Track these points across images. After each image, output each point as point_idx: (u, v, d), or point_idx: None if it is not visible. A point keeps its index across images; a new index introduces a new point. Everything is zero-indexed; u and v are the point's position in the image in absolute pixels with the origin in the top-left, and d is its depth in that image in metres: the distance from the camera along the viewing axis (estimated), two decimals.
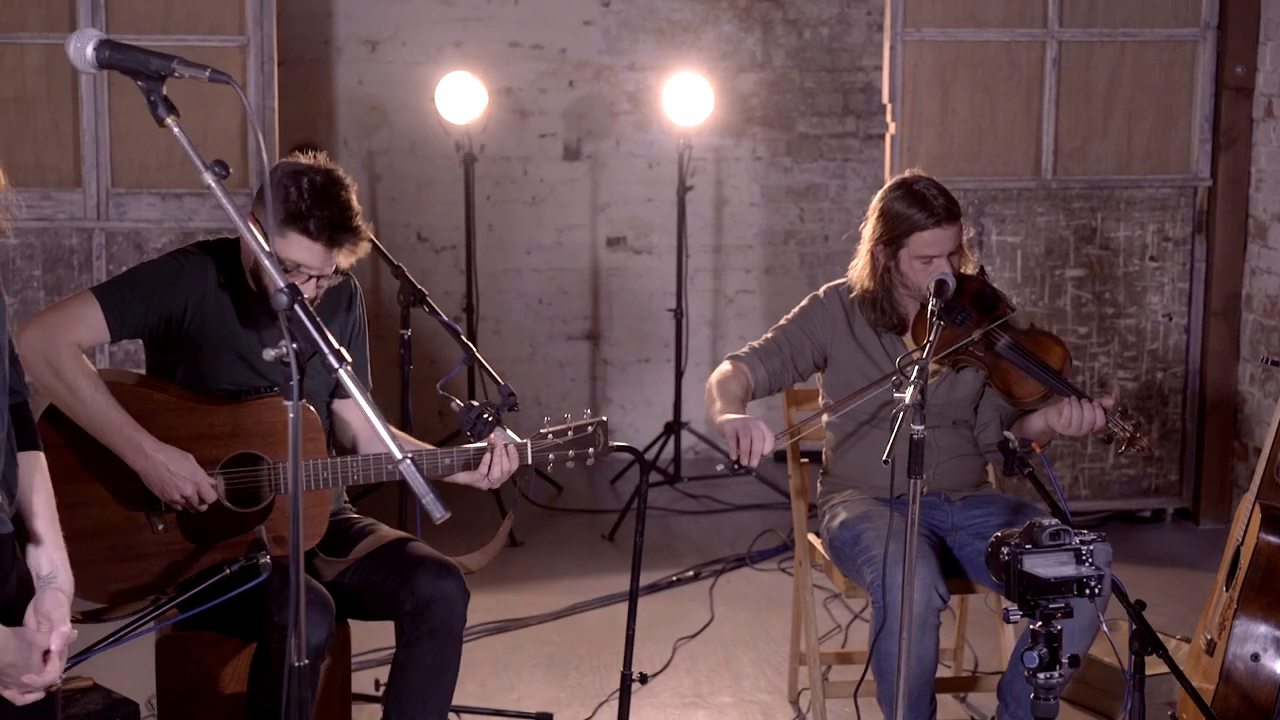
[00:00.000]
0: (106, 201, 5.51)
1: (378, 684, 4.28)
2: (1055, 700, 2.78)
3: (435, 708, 3.47)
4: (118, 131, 5.49)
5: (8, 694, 2.46)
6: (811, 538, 4.17)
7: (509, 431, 3.47)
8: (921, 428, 3.26)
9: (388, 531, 3.60)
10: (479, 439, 3.42)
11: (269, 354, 2.34)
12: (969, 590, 3.91)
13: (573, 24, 7.10)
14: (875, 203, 3.95)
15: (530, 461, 3.48)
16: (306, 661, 2.47)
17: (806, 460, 4.21)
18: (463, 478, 3.45)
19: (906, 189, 3.88)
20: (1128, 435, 3.67)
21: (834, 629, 4.97)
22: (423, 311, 4.03)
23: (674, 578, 5.51)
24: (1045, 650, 2.75)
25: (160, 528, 3.34)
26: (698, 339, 7.21)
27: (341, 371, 2.32)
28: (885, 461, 3.30)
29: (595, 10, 7.10)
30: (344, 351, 2.34)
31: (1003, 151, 5.92)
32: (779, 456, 4.00)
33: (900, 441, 3.28)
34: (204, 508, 3.31)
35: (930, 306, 3.63)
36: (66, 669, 2.54)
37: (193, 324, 3.42)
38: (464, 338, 3.82)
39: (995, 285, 3.92)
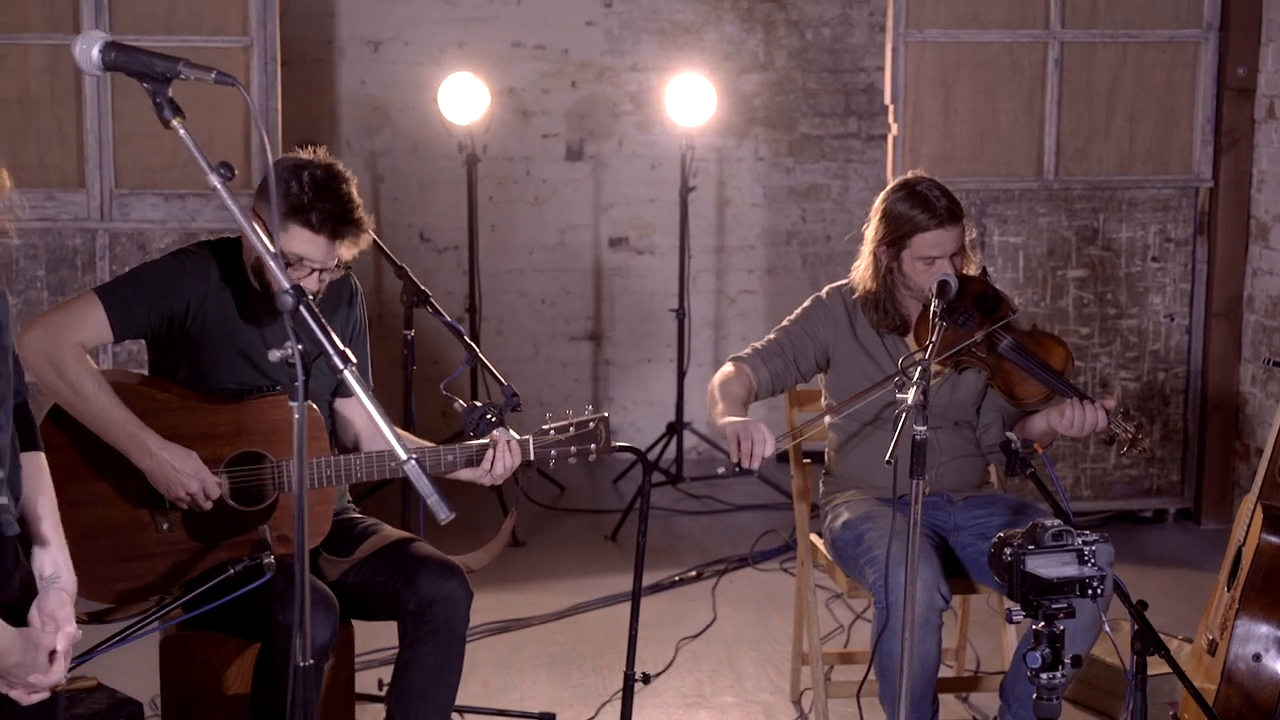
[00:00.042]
0: (110, 202, 5.52)
1: (381, 684, 4.28)
2: (1058, 700, 2.79)
3: (438, 708, 3.48)
4: (121, 132, 5.49)
5: (13, 694, 2.47)
6: (814, 538, 4.18)
7: (511, 431, 3.48)
8: (924, 428, 3.26)
9: (391, 531, 3.61)
10: (481, 439, 3.43)
11: (274, 355, 2.35)
12: (971, 590, 3.92)
13: (575, 24, 7.10)
14: (878, 204, 3.96)
15: (532, 458, 3.48)
16: (311, 661, 2.48)
17: (809, 461, 4.21)
18: (465, 474, 3.46)
19: (909, 190, 3.88)
20: (1130, 436, 3.68)
21: (836, 629, 4.97)
22: (426, 312, 4.03)
23: (676, 578, 5.52)
24: (1048, 650, 2.75)
25: (165, 527, 3.35)
26: (700, 339, 7.21)
27: (347, 373, 2.33)
28: (888, 462, 3.30)
29: (598, 11, 7.11)
30: (349, 353, 2.35)
31: (1005, 152, 5.93)
32: (781, 457, 4.00)
33: (903, 442, 3.29)
34: (209, 506, 3.32)
35: (932, 307, 3.64)
36: (71, 669, 2.55)
37: (195, 323, 3.43)
38: (467, 338, 3.83)
39: (997, 286, 3.93)
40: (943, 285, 3.69)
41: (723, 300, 7.33)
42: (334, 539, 3.53)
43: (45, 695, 2.50)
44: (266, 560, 3.13)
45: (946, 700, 4.32)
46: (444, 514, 2.33)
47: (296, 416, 2.34)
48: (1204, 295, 6.06)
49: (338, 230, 3.36)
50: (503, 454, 3.43)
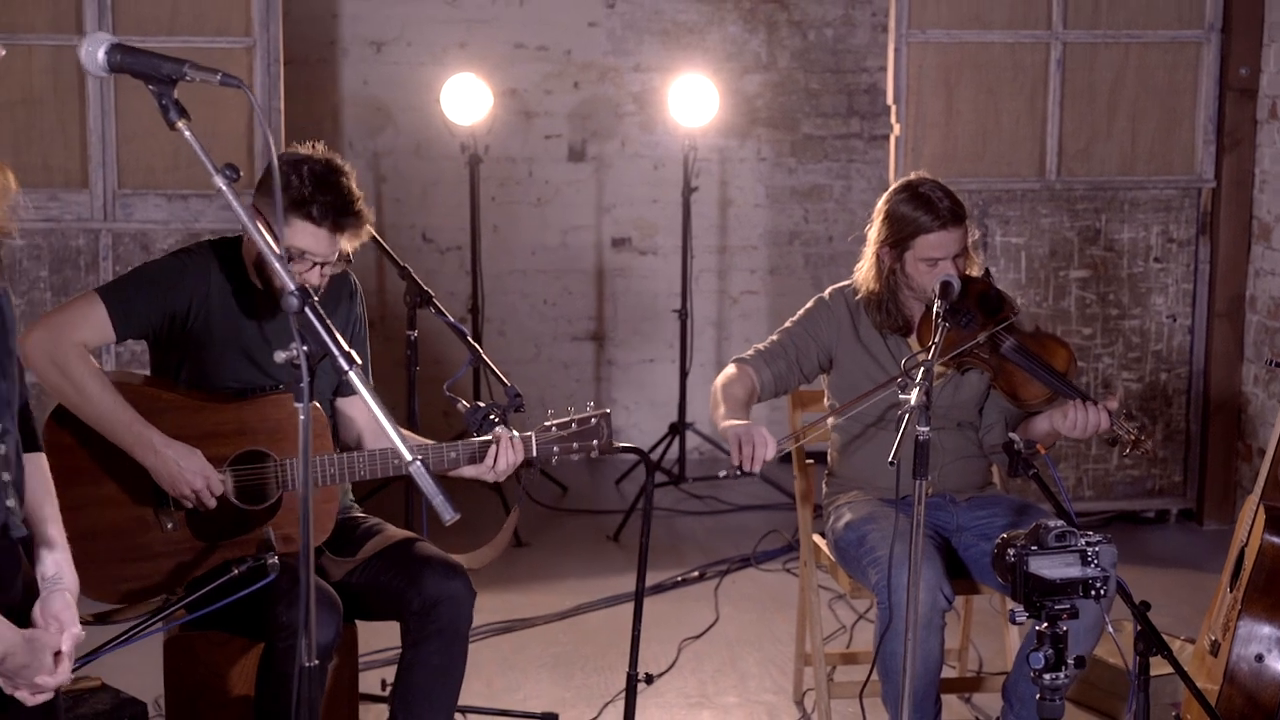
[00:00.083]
0: (113, 202, 5.52)
1: (384, 684, 4.28)
2: (1061, 701, 2.79)
3: (442, 707, 3.48)
4: (124, 132, 5.50)
5: (19, 695, 2.47)
6: (816, 538, 4.18)
7: (513, 430, 3.49)
8: (927, 429, 3.27)
9: (394, 531, 3.62)
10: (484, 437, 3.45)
11: (279, 356, 2.35)
12: (973, 591, 3.92)
13: (577, 25, 7.11)
14: (880, 205, 3.96)
15: (535, 454, 3.49)
16: (316, 662, 2.48)
17: (812, 462, 4.22)
18: (468, 471, 3.47)
19: (912, 191, 3.89)
20: (1132, 438, 3.68)
21: (839, 629, 4.98)
22: (429, 312, 4.04)
23: (679, 578, 5.52)
24: (1051, 651, 2.75)
25: (169, 526, 3.36)
26: (702, 339, 7.22)
27: (352, 373, 2.34)
28: (891, 463, 3.31)
29: (600, 12, 7.11)
30: (354, 354, 2.35)
31: (1007, 153, 5.93)
32: (784, 458, 4.00)
33: (906, 443, 3.29)
34: (213, 503, 3.33)
35: (935, 308, 3.64)
36: (75, 669, 2.56)
37: (197, 322, 3.43)
38: (470, 339, 3.83)
39: (1000, 287, 3.93)
40: (945, 286, 3.69)
41: (725, 300, 7.33)
42: (337, 539, 3.54)
43: (50, 696, 2.51)
44: (271, 560, 3.14)
45: (949, 701, 4.33)
46: (449, 515, 2.34)
47: (302, 418, 2.34)
48: (1206, 296, 6.06)
49: (339, 223, 3.37)
50: (505, 450, 3.43)
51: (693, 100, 6.56)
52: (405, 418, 4.30)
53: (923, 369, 3.32)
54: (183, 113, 2.37)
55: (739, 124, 7.20)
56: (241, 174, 2.40)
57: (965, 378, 3.95)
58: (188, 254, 3.52)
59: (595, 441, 3.53)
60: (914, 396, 3.26)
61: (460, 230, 6.89)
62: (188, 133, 2.36)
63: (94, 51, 2.38)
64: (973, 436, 4.02)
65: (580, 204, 7.20)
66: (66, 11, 5.42)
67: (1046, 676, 2.76)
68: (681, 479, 6.75)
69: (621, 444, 3.82)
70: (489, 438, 3.44)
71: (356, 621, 3.60)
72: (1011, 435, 3.50)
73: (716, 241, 7.28)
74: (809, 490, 4.20)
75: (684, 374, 6.79)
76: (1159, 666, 3.41)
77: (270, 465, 3.39)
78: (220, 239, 3.59)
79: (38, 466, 2.62)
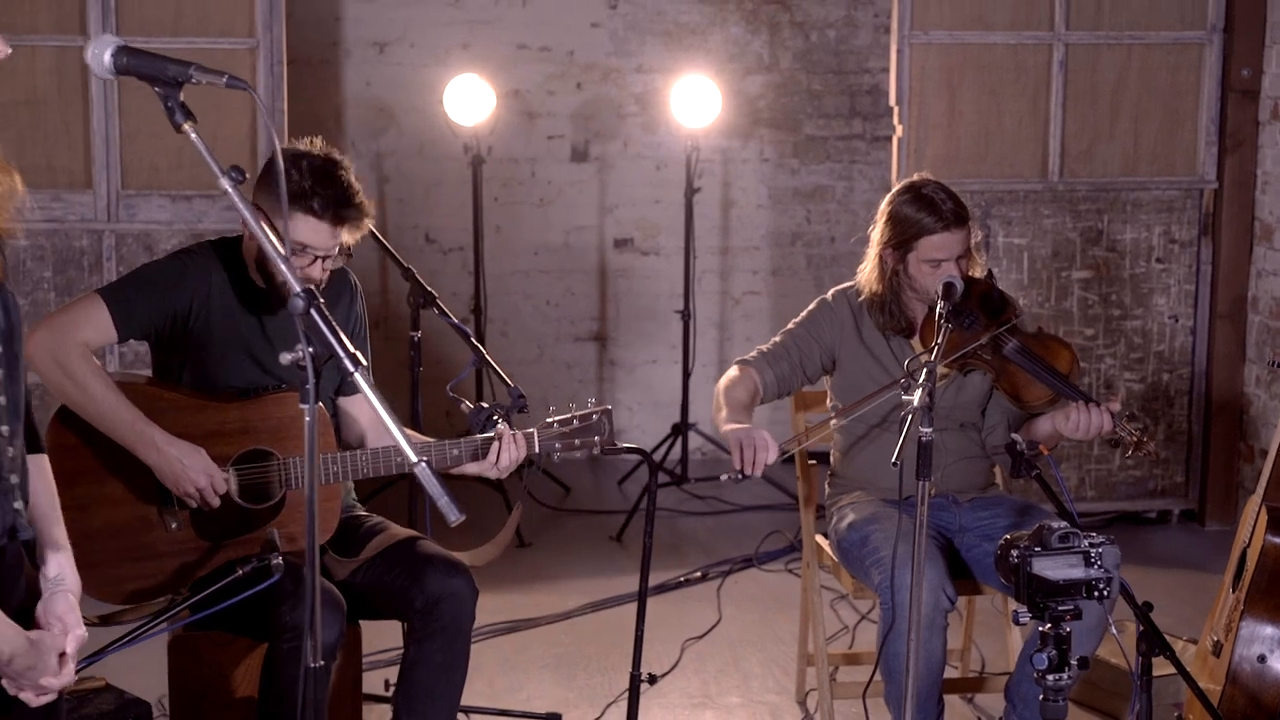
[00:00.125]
0: (117, 203, 5.53)
1: (387, 684, 4.28)
2: (1064, 702, 2.80)
3: (445, 705, 3.49)
4: (128, 133, 5.51)
5: (23, 696, 2.48)
6: (819, 539, 4.19)
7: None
8: (929, 430, 3.28)
9: (397, 530, 3.62)
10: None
11: (285, 358, 2.36)
12: (976, 591, 3.92)
13: (580, 26, 7.11)
14: (883, 206, 3.96)
15: (537, 449, 3.50)
16: (322, 663, 2.49)
17: (814, 462, 4.22)
18: (471, 468, 3.48)
19: (915, 193, 3.89)
20: (1135, 440, 3.68)
21: (841, 630, 4.98)
22: (432, 313, 4.05)
23: (681, 578, 5.52)
24: (1055, 652, 2.76)
25: (173, 525, 3.36)
26: (705, 340, 7.22)
27: (357, 375, 2.34)
28: (894, 464, 3.31)
29: (603, 12, 7.12)
30: (359, 355, 2.36)
31: (1009, 154, 5.93)
32: (787, 458, 4.01)
33: (909, 444, 3.30)
34: (217, 502, 3.33)
35: (938, 309, 3.65)
36: (79, 669, 2.57)
37: (198, 322, 3.44)
38: (473, 340, 3.84)
39: (1002, 288, 3.93)
40: (948, 287, 3.70)
41: (727, 301, 7.34)
42: (341, 538, 3.55)
43: (53, 697, 2.52)
44: (275, 561, 3.14)
45: (951, 701, 4.33)
46: (454, 516, 2.34)
47: (308, 419, 2.34)
48: (1208, 297, 6.07)
49: (340, 215, 3.38)
50: (508, 446, 3.44)
51: (695, 101, 6.56)
52: (408, 418, 4.30)
53: (925, 370, 3.32)
54: (189, 115, 2.37)
55: (741, 125, 7.20)
56: (247, 176, 2.41)
57: (968, 379, 3.95)
58: (188, 254, 3.53)
59: (597, 437, 3.53)
60: (917, 397, 3.27)
61: (463, 231, 6.90)
62: (194, 135, 2.37)
63: (100, 54, 2.38)
64: (975, 437, 4.02)
65: (583, 205, 7.21)
66: (70, 12, 5.43)
67: (1050, 677, 2.77)
68: (684, 479, 6.76)
69: (624, 445, 3.82)
70: (491, 434, 3.45)
71: (360, 622, 3.61)
72: (1014, 436, 3.50)
73: (719, 242, 7.29)
74: (812, 491, 4.21)
75: (686, 374, 6.80)
76: (1161, 667, 3.41)
77: (273, 464, 3.39)
78: (221, 239, 3.59)
79: (40, 468, 2.62)
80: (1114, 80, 5.92)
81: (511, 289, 7.18)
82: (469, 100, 6.45)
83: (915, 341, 3.96)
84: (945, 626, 3.63)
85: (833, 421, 4.00)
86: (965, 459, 3.99)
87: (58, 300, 5.47)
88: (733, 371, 3.99)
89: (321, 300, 2.36)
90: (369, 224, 3.48)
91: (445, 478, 2.40)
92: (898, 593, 3.55)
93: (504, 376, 3.80)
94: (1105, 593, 2.80)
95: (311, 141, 3.47)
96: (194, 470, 3.29)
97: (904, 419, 3.30)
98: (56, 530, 2.61)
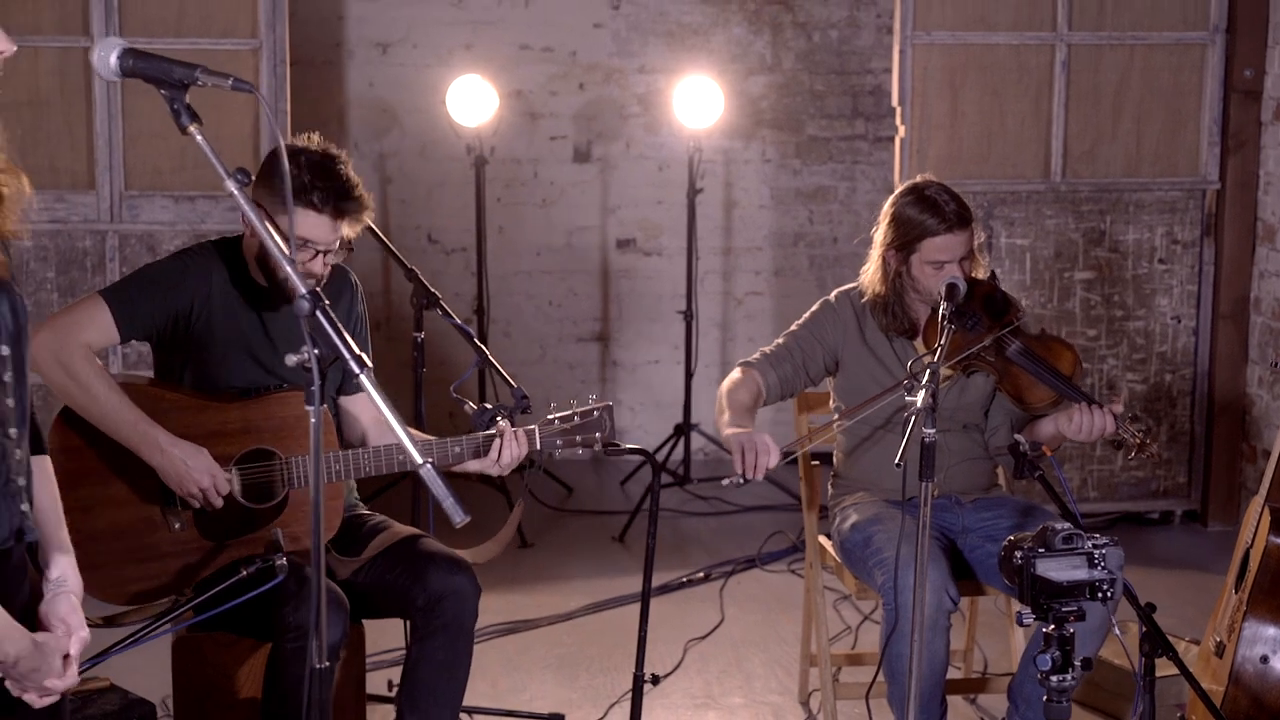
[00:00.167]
0: (120, 204, 5.54)
1: (391, 684, 4.29)
2: (1068, 703, 2.80)
3: (448, 703, 3.50)
4: (131, 134, 5.51)
5: (26, 697, 2.48)
6: (822, 539, 4.19)
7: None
8: (932, 431, 3.28)
9: (399, 528, 3.63)
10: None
11: (291, 360, 2.36)
12: (979, 592, 3.93)
13: (583, 27, 7.12)
14: (886, 208, 3.97)
15: (539, 446, 3.50)
16: (328, 663, 2.49)
17: (817, 463, 4.23)
18: (473, 466, 3.49)
19: (918, 194, 3.90)
20: (1137, 441, 3.68)
21: (844, 630, 4.98)
22: (435, 314, 4.05)
23: (684, 579, 5.53)
24: (1058, 653, 2.77)
25: (176, 526, 3.37)
26: (707, 341, 7.23)
27: (363, 376, 2.34)
28: (898, 465, 3.32)
29: (605, 13, 7.12)
30: (365, 357, 2.36)
31: (1012, 154, 5.94)
32: (791, 459, 4.01)
33: (912, 445, 3.30)
34: (220, 502, 3.34)
35: (941, 311, 3.65)
36: (83, 670, 2.57)
37: (200, 322, 3.45)
38: (476, 340, 3.84)
39: (1005, 289, 3.94)
40: (951, 289, 3.70)
41: (730, 302, 7.34)
42: (343, 538, 3.55)
43: (57, 699, 2.52)
44: (279, 562, 3.15)
45: (954, 702, 4.33)
46: (459, 517, 2.34)
47: (313, 421, 2.34)
48: (1211, 297, 6.07)
49: (341, 208, 3.39)
50: (509, 443, 3.45)
51: (697, 102, 6.57)
52: (411, 419, 4.30)
53: (928, 372, 3.33)
54: (194, 117, 2.37)
55: (744, 125, 7.20)
56: (252, 177, 2.41)
57: (971, 380, 3.96)
58: (189, 254, 3.54)
59: (598, 434, 3.54)
60: (920, 399, 3.27)
61: (465, 231, 6.91)
62: (199, 137, 2.37)
63: (106, 56, 2.38)
64: (978, 438, 4.02)
65: (585, 205, 7.21)
66: (73, 13, 5.43)
67: (1054, 678, 2.78)
68: (686, 480, 6.76)
69: (627, 445, 3.82)
70: (492, 432, 3.45)
71: (363, 622, 3.61)
72: (1017, 437, 3.51)
73: (721, 243, 7.29)
74: (814, 492, 4.21)
75: (689, 375, 6.81)
76: (1164, 668, 3.41)
77: (276, 463, 3.40)
78: (221, 239, 3.60)
79: (42, 470, 2.63)
80: (1116, 81, 5.93)
81: (514, 289, 7.18)
82: (472, 101, 6.46)
83: (918, 343, 3.97)
84: (948, 627, 3.64)
85: (836, 424, 4.01)
86: (968, 460, 3.99)
87: (61, 301, 5.47)
88: (735, 374, 4.00)
89: (326, 301, 2.36)
90: (368, 217, 3.49)
91: (448, 476, 2.40)
92: (901, 593, 3.55)
93: (507, 377, 3.80)
94: (1108, 594, 2.80)
95: (309, 138, 3.48)
96: (197, 470, 3.30)
97: (907, 420, 3.30)
98: (59, 532, 2.61)
